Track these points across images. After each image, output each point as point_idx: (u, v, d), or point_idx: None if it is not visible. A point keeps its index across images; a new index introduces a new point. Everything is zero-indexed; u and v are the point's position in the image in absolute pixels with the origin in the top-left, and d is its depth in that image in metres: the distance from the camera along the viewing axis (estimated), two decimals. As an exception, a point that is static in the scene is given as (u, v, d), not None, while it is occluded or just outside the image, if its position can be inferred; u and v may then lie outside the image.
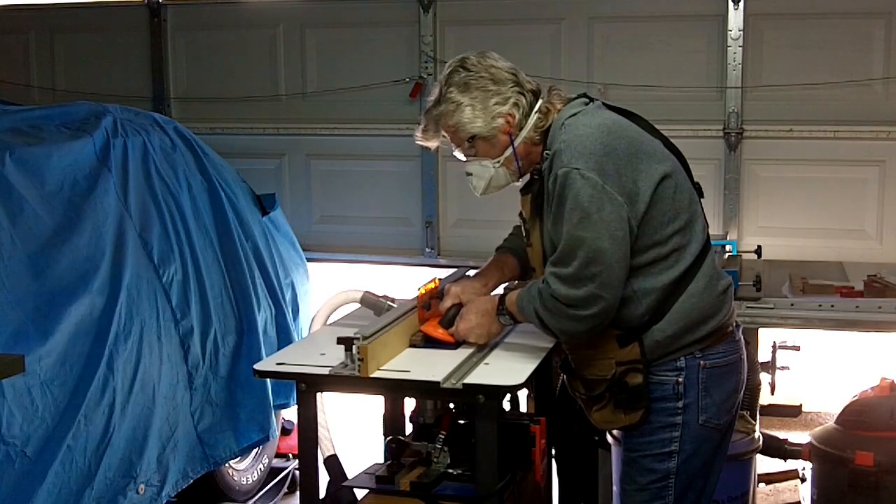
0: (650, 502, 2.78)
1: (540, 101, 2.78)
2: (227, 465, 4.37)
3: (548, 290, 2.65)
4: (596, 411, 2.81)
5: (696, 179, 2.84)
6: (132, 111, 4.27)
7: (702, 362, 2.72)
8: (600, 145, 2.61)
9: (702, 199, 2.85)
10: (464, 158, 2.85)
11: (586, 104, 2.77)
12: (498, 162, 2.80)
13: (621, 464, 2.90)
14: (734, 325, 2.85)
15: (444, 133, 2.82)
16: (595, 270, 2.58)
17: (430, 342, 2.96)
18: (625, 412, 2.74)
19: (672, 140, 2.83)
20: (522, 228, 2.91)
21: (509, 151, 2.78)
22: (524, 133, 2.77)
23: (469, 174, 2.87)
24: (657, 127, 2.82)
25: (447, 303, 3.00)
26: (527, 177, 2.85)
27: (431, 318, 3.02)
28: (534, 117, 2.76)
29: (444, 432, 2.96)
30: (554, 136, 2.72)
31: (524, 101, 2.76)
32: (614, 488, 3.56)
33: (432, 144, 2.88)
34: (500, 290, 3.09)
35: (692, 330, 2.70)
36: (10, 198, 3.40)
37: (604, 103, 2.80)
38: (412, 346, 2.94)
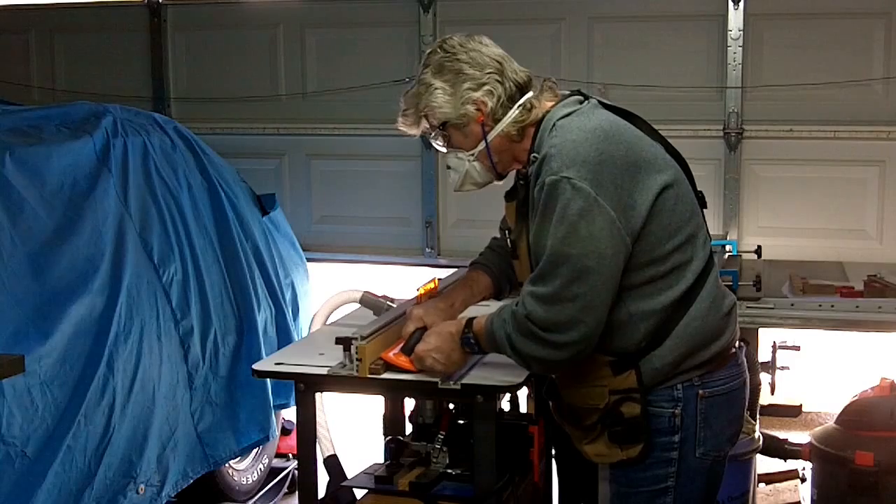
0: None
1: (526, 96, 2.54)
2: (227, 465, 4.37)
3: (522, 312, 2.40)
4: (587, 444, 2.58)
5: (697, 186, 2.63)
6: (132, 111, 4.27)
7: (700, 391, 2.49)
8: (595, 152, 2.36)
9: (704, 210, 2.62)
10: (443, 150, 2.66)
11: (581, 102, 2.53)
12: (472, 155, 2.58)
13: (610, 495, 2.67)
14: (737, 346, 2.63)
15: (424, 122, 2.61)
16: (578, 291, 2.33)
17: (391, 369, 2.72)
18: (621, 446, 2.51)
19: (672, 140, 2.63)
20: (508, 240, 2.68)
21: (483, 145, 2.56)
22: (500, 126, 2.53)
23: (448, 167, 2.68)
24: (657, 127, 2.63)
25: (409, 327, 2.71)
26: (511, 179, 2.65)
27: (394, 343, 2.78)
28: (515, 111, 2.52)
29: (443, 432, 2.96)
30: (543, 138, 2.48)
31: (501, 89, 2.52)
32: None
33: (413, 132, 2.66)
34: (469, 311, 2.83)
35: (694, 355, 2.48)
36: (10, 198, 3.40)
37: (600, 102, 2.56)
38: (372, 374, 2.68)
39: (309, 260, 5.13)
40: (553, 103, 2.56)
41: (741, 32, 4.94)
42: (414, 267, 5.54)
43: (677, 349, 2.46)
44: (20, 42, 6.11)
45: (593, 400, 2.51)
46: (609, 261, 2.35)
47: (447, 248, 5.51)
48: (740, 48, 4.94)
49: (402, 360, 2.70)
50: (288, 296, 4.67)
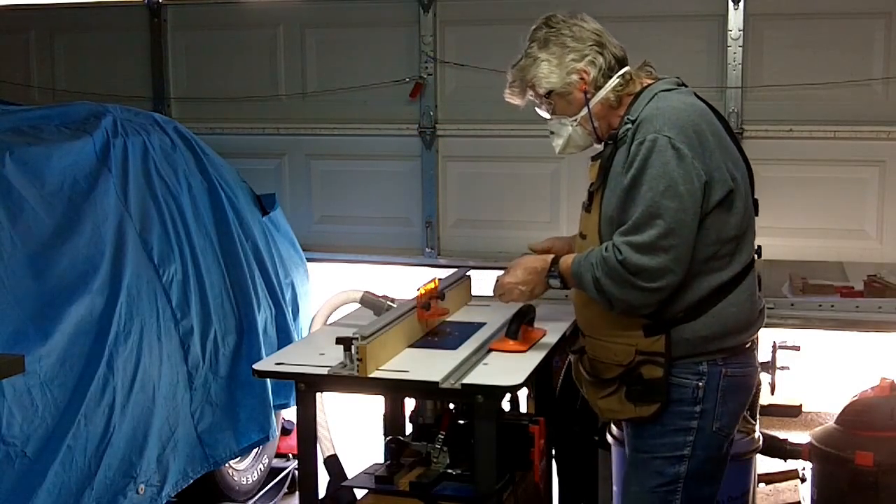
0: None
1: (626, 68, 2.81)
2: (227, 465, 4.37)
3: (616, 258, 2.58)
4: (602, 398, 2.76)
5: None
6: (132, 111, 4.27)
7: (724, 370, 2.69)
8: (692, 123, 2.61)
9: (756, 216, 2.84)
10: (547, 116, 2.88)
11: (679, 84, 2.81)
12: (575, 120, 2.82)
13: (626, 465, 2.84)
14: (752, 342, 2.84)
15: (529, 93, 2.85)
16: (673, 242, 2.54)
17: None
18: (635, 404, 2.68)
19: None
20: (587, 194, 2.84)
21: (585, 111, 2.79)
22: (601, 93, 2.79)
23: (551, 133, 2.90)
24: None
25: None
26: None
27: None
28: (614, 80, 2.79)
29: (443, 432, 2.96)
30: (641, 104, 2.71)
31: (602, 60, 2.78)
32: (614, 488, 3.56)
33: (519, 102, 2.91)
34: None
35: (723, 338, 2.68)
36: (10, 198, 3.40)
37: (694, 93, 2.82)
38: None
39: (309, 260, 5.12)
40: (651, 81, 2.80)
41: (741, 32, 4.93)
42: (414, 267, 5.53)
43: (710, 327, 2.66)
44: (20, 42, 6.10)
45: (618, 357, 2.69)
46: (696, 220, 2.57)
47: (447, 248, 5.50)
48: (740, 48, 4.93)
49: (510, 345, 2.93)
50: (288, 296, 4.67)
